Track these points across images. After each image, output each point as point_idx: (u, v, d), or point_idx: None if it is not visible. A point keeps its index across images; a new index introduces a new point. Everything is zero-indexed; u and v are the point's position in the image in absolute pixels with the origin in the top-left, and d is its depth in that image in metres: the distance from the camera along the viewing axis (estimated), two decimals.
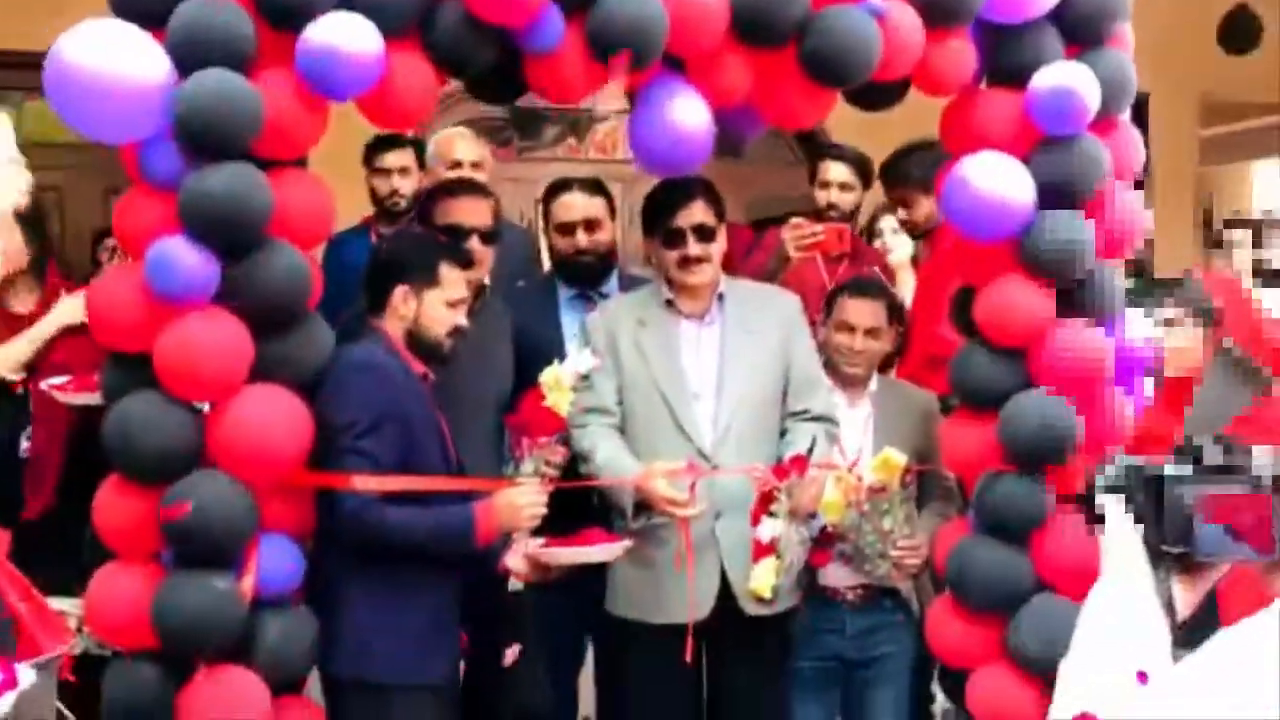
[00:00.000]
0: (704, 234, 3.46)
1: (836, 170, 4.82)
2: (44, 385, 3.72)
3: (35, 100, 5.11)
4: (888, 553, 3.55)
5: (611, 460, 3.38)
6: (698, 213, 3.46)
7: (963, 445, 3.50)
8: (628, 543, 3.25)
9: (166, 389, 2.84)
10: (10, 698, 2.34)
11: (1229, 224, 8.06)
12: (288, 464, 2.91)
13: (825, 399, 3.60)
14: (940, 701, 4.42)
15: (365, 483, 2.89)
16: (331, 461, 2.95)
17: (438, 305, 3.10)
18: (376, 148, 4.94)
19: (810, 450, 3.33)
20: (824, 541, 3.51)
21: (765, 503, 3.27)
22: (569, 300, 4.01)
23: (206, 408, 2.87)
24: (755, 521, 3.28)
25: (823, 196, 4.81)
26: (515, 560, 3.15)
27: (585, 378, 3.37)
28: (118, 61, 2.72)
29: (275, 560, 2.97)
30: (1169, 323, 3.11)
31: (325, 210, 3.04)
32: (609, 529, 3.40)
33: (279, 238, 2.90)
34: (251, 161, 2.83)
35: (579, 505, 3.40)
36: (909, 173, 4.63)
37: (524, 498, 3.07)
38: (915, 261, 4.83)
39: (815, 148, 4.68)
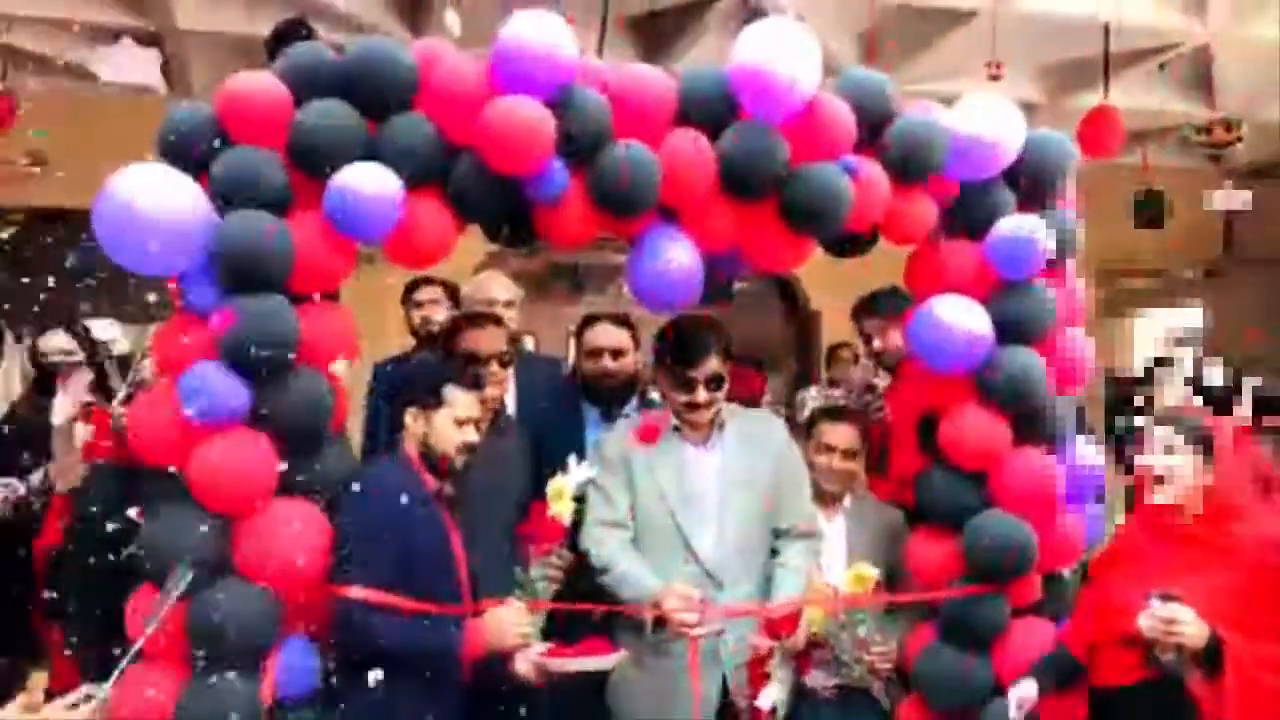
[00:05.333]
0: (715, 383, 3.13)
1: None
2: None
3: None
4: (862, 658, 3.19)
5: (630, 576, 3.05)
6: (712, 365, 3.12)
7: (928, 559, 3.18)
8: (624, 653, 2.91)
9: (198, 502, 2.50)
10: None
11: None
12: (308, 574, 2.57)
13: (808, 513, 3.26)
14: None
15: (359, 593, 2.55)
16: (333, 571, 2.59)
17: (446, 424, 2.77)
18: (412, 287, 4.64)
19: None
20: (805, 649, 3.09)
21: (760, 666, 2.95)
22: (594, 419, 3.71)
23: None
24: (756, 690, 2.94)
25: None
26: (523, 665, 2.78)
27: (592, 482, 3.05)
28: (163, 201, 2.43)
29: (294, 661, 2.63)
30: (1168, 449, 2.72)
31: (349, 337, 2.72)
32: (613, 634, 3.06)
33: (306, 363, 2.57)
34: (284, 294, 2.51)
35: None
36: (878, 309, 4.27)
37: (511, 616, 2.71)
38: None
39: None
